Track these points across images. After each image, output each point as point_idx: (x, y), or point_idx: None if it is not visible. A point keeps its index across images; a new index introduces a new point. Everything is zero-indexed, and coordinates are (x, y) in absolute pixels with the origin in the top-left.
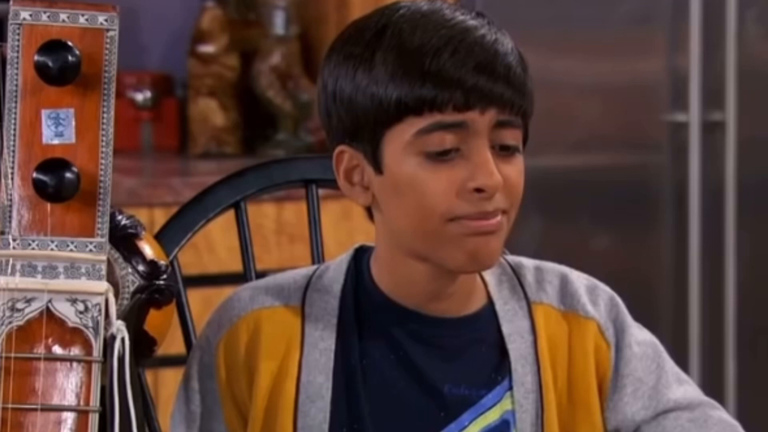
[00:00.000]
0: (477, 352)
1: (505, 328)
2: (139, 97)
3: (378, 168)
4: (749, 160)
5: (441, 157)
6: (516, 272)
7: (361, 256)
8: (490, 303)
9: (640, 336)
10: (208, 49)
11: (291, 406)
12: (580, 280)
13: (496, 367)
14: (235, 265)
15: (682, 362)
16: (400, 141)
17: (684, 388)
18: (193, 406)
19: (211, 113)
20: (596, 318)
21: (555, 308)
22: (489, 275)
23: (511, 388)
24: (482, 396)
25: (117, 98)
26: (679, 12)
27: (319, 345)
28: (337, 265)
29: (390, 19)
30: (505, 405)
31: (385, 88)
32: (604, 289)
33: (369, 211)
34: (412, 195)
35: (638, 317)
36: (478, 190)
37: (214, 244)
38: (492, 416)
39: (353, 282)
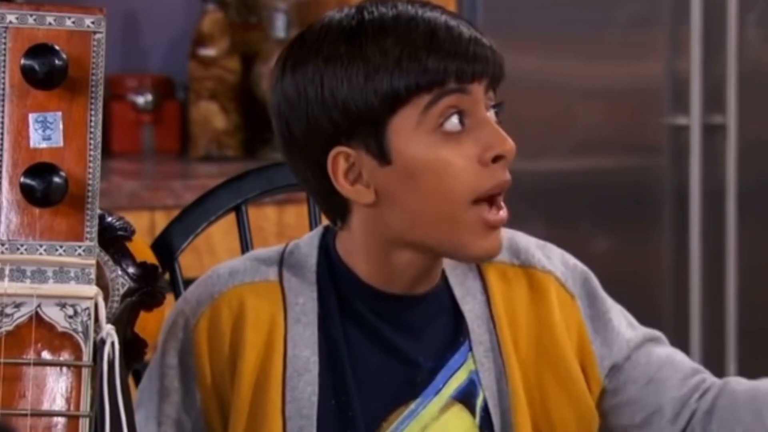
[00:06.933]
0: (439, 324)
1: (457, 291)
2: (140, 100)
3: (385, 159)
4: (750, 163)
5: (451, 131)
6: None
7: (326, 235)
8: (444, 272)
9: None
10: (209, 52)
11: (279, 380)
12: (527, 237)
13: (456, 330)
14: None
15: None
16: (407, 124)
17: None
18: (167, 381)
19: (212, 116)
20: (552, 271)
21: (509, 264)
22: None
23: (471, 348)
24: (449, 359)
25: (118, 101)
26: (680, 15)
27: (302, 319)
28: (306, 242)
29: (361, 17)
30: (470, 365)
31: (390, 75)
32: (553, 246)
33: (335, 213)
34: (431, 176)
35: (639, 319)
36: (497, 158)
37: (215, 246)
38: (461, 377)
39: (325, 259)
